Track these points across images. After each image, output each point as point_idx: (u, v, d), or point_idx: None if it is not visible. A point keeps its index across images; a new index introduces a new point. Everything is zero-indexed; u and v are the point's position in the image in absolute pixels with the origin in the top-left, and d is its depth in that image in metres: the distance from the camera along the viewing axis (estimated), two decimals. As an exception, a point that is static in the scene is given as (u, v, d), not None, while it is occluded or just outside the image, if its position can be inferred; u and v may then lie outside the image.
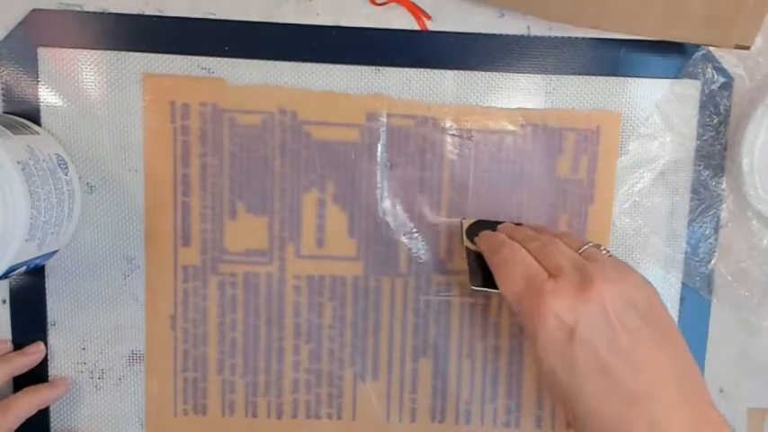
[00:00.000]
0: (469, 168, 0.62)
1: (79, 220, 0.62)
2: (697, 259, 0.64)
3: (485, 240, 0.57)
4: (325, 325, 0.64)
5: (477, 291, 0.57)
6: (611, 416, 0.46)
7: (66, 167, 0.59)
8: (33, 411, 0.60)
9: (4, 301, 0.63)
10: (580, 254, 0.51)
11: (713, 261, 0.64)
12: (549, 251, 0.52)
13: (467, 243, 0.60)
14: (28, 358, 0.62)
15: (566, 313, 0.47)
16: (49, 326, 0.63)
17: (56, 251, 0.60)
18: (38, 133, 0.59)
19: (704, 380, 0.48)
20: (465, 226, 0.61)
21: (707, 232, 0.63)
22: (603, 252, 0.52)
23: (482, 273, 0.56)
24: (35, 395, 0.61)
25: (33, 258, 0.56)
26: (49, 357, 0.64)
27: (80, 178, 0.62)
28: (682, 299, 0.64)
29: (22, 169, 0.52)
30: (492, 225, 0.60)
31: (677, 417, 0.46)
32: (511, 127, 0.62)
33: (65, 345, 0.64)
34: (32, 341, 0.63)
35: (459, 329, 0.64)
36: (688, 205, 0.63)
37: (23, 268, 0.56)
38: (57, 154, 0.58)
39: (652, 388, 0.46)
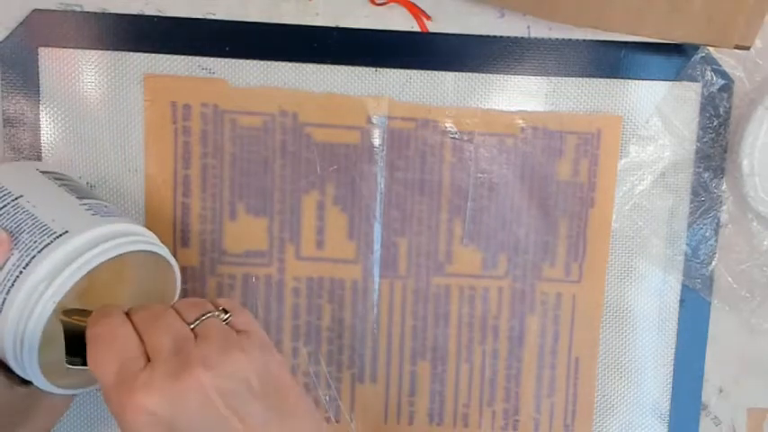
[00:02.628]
0: (470, 171, 0.62)
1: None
2: (697, 261, 0.64)
3: (97, 323, 0.46)
4: (323, 327, 0.64)
5: (73, 369, 0.48)
6: None
7: None
8: None
9: (4, 301, 0.63)
10: (195, 327, 0.45)
11: (713, 263, 0.64)
12: (154, 327, 0.45)
13: (60, 316, 0.48)
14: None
15: (161, 408, 0.41)
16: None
17: None
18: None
19: None
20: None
21: (707, 234, 0.63)
22: (225, 320, 0.47)
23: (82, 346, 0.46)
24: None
25: None
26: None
27: (80, 178, 0.62)
28: (682, 300, 0.64)
29: None
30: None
31: None
32: (511, 130, 0.62)
33: (64, 345, 0.64)
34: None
35: (457, 333, 0.64)
36: (688, 207, 0.63)
37: None
38: None
39: None
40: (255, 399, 0.43)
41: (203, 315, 0.46)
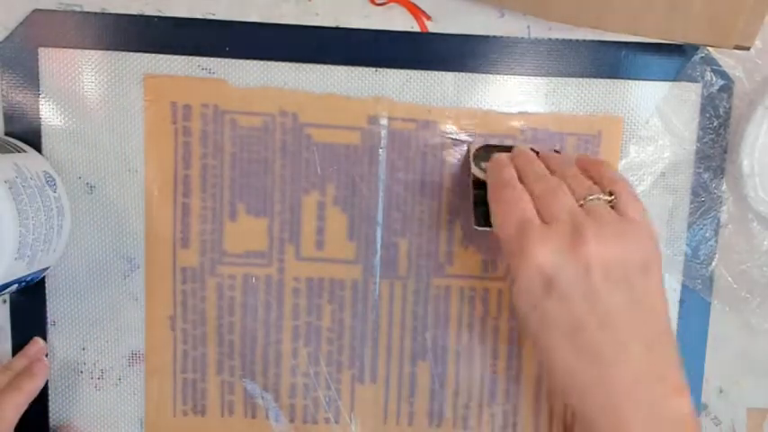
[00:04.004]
0: (470, 172, 0.62)
1: (69, 236, 0.62)
2: (697, 261, 0.64)
3: (492, 172, 0.55)
4: (323, 327, 0.64)
5: (479, 230, 0.57)
6: (576, 371, 0.47)
7: (55, 184, 0.59)
8: (23, 407, 0.59)
9: (5, 301, 0.63)
10: (583, 205, 0.49)
11: (714, 263, 0.64)
12: (550, 199, 0.50)
13: (475, 171, 0.59)
14: (36, 380, 0.61)
15: (548, 263, 0.47)
16: (48, 326, 0.64)
17: (47, 268, 0.60)
18: (24, 151, 0.59)
19: (676, 349, 0.48)
20: (473, 150, 0.60)
21: (707, 234, 0.63)
22: (610, 202, 0.50)
23: (486, 210, 0.55)
24: (18, 391, 0.59)
25: (24, 276, 0.56)
26: (49, 357, 0.64)
27: (80, 178, 0.62)
28: (682, 301, 0.64)
29: (10, 188, 0.53)
30: (503, 150, 0.58)
31: (640, 384, 0.47)
32: (512, 131, 0.62)
33: (65, 345, 0.64)
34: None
35: (457, 333, 0.64)
36: (688, 207, 0.63)
37: (15, 287, 0.56)
38: (44, 171, 0.59)
39: (618, 351, 0.47)
40: (626, 285, 0.47)
41: (590, 195, 0.50)
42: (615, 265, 0.47)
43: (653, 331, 0.48)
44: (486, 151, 0.60)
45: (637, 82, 0.62)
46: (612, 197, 0.50)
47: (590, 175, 0.53)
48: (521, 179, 0.53)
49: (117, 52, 0.61)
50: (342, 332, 0.64)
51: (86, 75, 0.61)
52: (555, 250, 0.47)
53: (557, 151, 0.61)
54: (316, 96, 0.62)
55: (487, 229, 0.55)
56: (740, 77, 0.61)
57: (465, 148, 0.62)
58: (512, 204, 0.50)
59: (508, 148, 0.58)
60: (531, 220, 0.49)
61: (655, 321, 0.48)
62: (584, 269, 0.46)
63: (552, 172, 0.53)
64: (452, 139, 0.62)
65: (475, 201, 0.58)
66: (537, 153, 0.56)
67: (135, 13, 0.61)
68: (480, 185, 0.58)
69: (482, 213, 0.57)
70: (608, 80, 0.62)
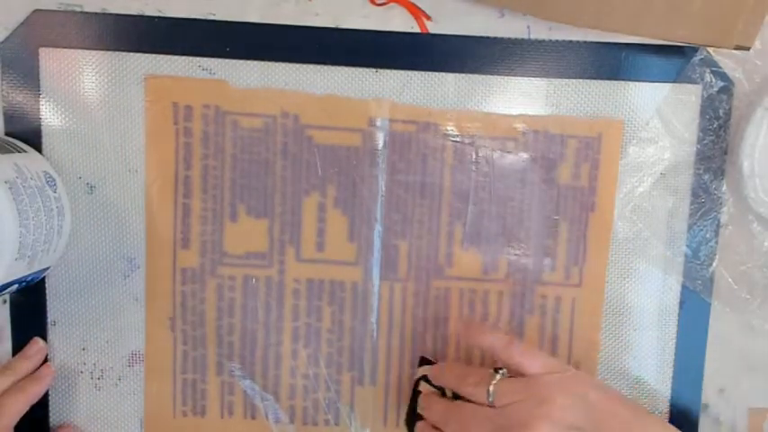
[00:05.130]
0: (470, 174, 0.62)
1: (69, 236, 0.62)
2: (698, 262, 0.64)
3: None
4: (323, 329, 0.64)
5: None
6: None
7: (55, 185, 0.59)
8: (25, 410, 0.59)
9: (5, 301, 0.63)
10: (492, 403, 0.52)
11: (714, 264, 0.64)
12: (466, 430, 0.53)
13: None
14: (41, 384, 0.62)
15: None
16: (48, 326, 0.64)
17: (47, 268, 0.60)
18: (25, 151, 0.59)
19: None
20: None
21: (707, 235, 0.63)
22: (502, 377, 0.54)
23: None
24: (22, 393, 0.60)
25: (24, 276, 0.56)
26: (49, 357, 0.64)
27: (80, 178, 0.62)
28: (682, 302, 0.64)
29: (10, 188, 0.53)
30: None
31: None
32: (512, 133, 0.62)
33: (65, 345, 0.64)
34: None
35: (457, 335, 0.64)
36: (688, 208, 0.63)
37: (15, 287, 0.56)
38: (45, 171, 0.59)
39: None
40: (579, 431, 0.50)
41: (488, 386, 0.53)
42: (562, 424, 0.50)
43: None
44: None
45: (637, 83, 0.62)
46: (500, 372, 0.54)
47: (483, 349, 0.60)
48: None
49: (117, 52, 0.61)
50: (342, 334, 0.64)
51: (86, 75, 0.61)
52: None
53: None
54: (316, 97, 0.62)
55: None
56: (740, 79, 0.61)
57: (465, 150, 0.62)
58: None
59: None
60: None
61: None
62: None
63: (449, 385, 0.58)
64: (453, 141, 0.62)
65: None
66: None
67: (135, 13, 0.61)
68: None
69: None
70: (608, 81, 0.62)
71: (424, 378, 0.60)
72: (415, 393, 0.61)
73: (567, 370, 0.54)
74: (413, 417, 0.60)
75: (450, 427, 0.54)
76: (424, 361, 0.62)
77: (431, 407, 0.58)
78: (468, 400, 0.54)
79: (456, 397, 0.57)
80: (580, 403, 0.51)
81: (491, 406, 0.52)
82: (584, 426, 0.50)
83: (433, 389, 0.60)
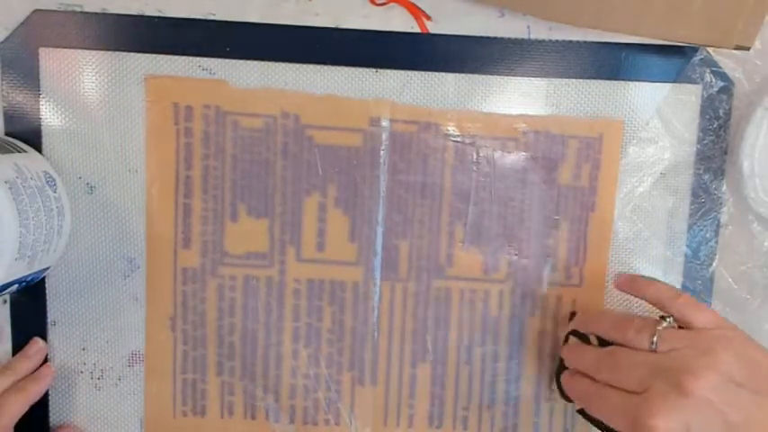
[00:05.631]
0: (471, 175, 0.62)
1: (69, 236, 0.62)
2: (698, 262, 0.64)
3: (573, 392, 0.58)
4: (324, 329, 0.64)
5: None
6: None
7: (55, 185, 0.59)
8: (25, 409, 0.60)
9: (5, 301, 0.63)
10: (654, 347, 0.52)
11: (714, 264, 0.64)
12: (620, 376, 0.52)
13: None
14: (40, 384, 0.62)
15: (675, 425, 0.48)
16: (49, 326, 0.64)
17: (47, 268, 0.60)
18: (25, 151, 0.59)
19: None
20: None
21: (707, 235, 0.63)
22: (671, 325, 0.53)
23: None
24: (22, 393, 0.60)
25: (24, 276, 0.56)
26: (49, 357, 0.64)
27: (80, 178, 0.62)
28: (681, 302, 0.64)
29: (10, 188, 0.53)
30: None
31: None
32: (513, 133, 0.62)
33: (65, 345, 0.64)
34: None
35: (457, 335, 0.64)
36: (688, 208, 0.63)
37: (15, 287, 0.56)
38: (45, 171, 0.59)
39: None
40: (746, 389, 0.49)
41: (654, 336, 0.52)
42: (724, 384, 0.49)
43: None
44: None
45: (637, 83, 0.62)
46: (668, 320, 0.53)
47: (647, 301, 0.57)
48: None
49: (117, 52, 0.61)
50: (342, 334, 0.64)
51: (86, 75, 0.61)
52: (671, 412, 0.48)
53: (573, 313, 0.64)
54: (317, 98, 0.62)
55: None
56: (740, 79, 0.61)
57: (466, 150, 0.62)
58: (602, 406, 0.53)
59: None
60: (628, 403, 0.51)
61: None
62: (707, 406, 0.48)
63: (605, 333, 0.57)
64: (454, 141, 0.62)
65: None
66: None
67: (135, 13, 0.61)
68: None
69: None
70: (608, 81, 0.62)
71: (574, 333, 0.61)
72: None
73: (735, 328, 0.53)
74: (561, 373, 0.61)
75: (602, 373, 0.54)
76: (574, 316, 0.63)
77: (581, 355, 0.57)
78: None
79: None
80: (744, 361, 0.50)
81: (652, 352, 0.52)
82: (746, 384, 0.49)
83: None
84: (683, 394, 0.48)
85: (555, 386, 0.64)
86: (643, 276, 0.62)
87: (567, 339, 0.62)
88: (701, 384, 0.48)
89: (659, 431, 0.48)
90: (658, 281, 0.59)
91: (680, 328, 0.53)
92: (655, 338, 0.52)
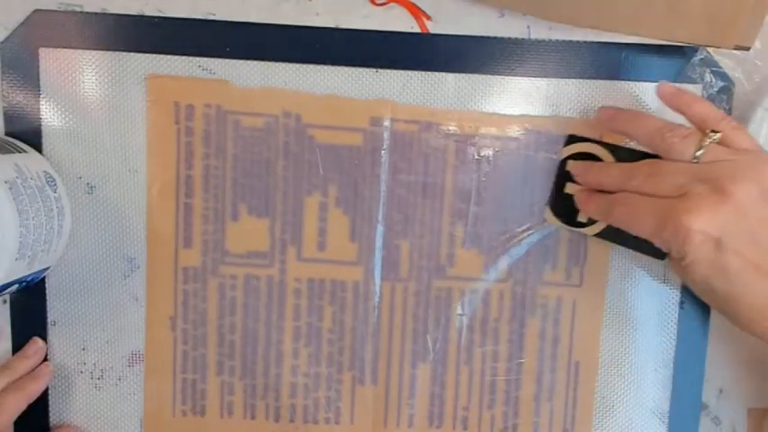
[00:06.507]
0: (472, 175, 0.62)
1: (69, 236, 0.62)
2: (698, 262, 0.64)
3: (592, 206, 0.58)
4: (324, 329, 0.64)
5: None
6: None
7: (55, 185, 0.59)
8: (23, 408, 0.60)
9: (5, 301, 0.63)
10: (696, 160, 0.51)
11: (713, 264, 0.64)
12: (657, 180, 0.52)
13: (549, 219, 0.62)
14: (39, 382, 0.62)
15: (708, 226, 0.48)
16: (49, 326, 0.64)
17: (47, 268, 0.60)
18: (25, 151, 0.59)
19: None
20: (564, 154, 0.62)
21: (707, 235, 0.63)
22: (716, 140, 0.52)
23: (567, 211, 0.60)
24: (21, 391, 0.60)
25: (24, 276, 0.56)
26: (48, 357, 0.64)
27: (80, 178, 0.62)
28: (682, 302, 0.64)
29: (10, 188, 0.53)
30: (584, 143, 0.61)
31: None
32: (514, 134, 0.62)
33: (65, 345, 0.64)
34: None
35: (457, 336, 0.64)
36: (689, 208, 0.63)
37: (15, 287, 0.56)
38: (45, 171, 0.59)
39: None
40: None
41: (699, 148, 0.52)
42: (761, 196, 0.49)
43: None
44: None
45: (637, 83, 0.62)
46: (717, 135, 0.52)
47: (689, 117, 0.55)
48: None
49: (117, 53, 0.61)
50: (343, 333, 0.64)
51: (86, 75, 0.61)
52: (707, 213, 0.48)
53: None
54: (318, 97, 0.62)
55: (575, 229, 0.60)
56: (740, 79, 0.61)
57: (470, 150, 0.62)
58: (633, 212, 0.53)
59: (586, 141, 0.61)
60: (663, 203, 0.50)
61: None
62: (741, 215, 0.49)
63: (649, 139, 0.55)
64: (455, 141, 0.62)
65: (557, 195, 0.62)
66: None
67: (135, 13, 0.61)
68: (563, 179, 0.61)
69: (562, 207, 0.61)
70: (608, 81, 0.62)
71: (573, 138, 0.62)
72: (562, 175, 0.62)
73: None
74: (558, 198, 0.62)
75: (635, 180, 0.53)
76: (573, 139, 0.62)
77: (602, 171, 0.57)
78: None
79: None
80: None
81: (694, 164, 0.52)
82: None
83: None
84: (724, 196, 0.48)
85: (547, 213, 0.63)
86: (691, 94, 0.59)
87: (563, 166, 0.62)
88: (743, 189, 0.48)
89: (692, 230, 0.48)
90: (704, 99, 0.59)
91: None
92: (700, 150, 0.52)
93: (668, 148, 0.53)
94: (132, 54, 0.61)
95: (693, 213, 0.48)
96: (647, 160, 0.54)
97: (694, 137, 0.52)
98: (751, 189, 0.49)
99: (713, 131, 0.52)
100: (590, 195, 0.57)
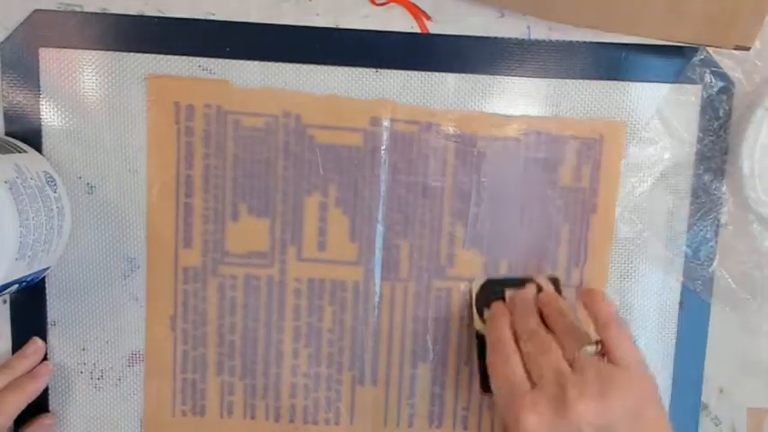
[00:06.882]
0: (472, 175, 0.62)
1: (69, 236, 0.62)
2: (698, 262, 0.64)
3: (489, 327, 0.59)
4: (324, 329, 0.64)
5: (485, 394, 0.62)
6: None
7: (55, 185, 0.59)
8: (22, 407, 0.60)
9: (5, 301, 0.63)
10: (573, 361, 0.52)
11: (714, 264, 0.64)
12: (539, 360, 0.52)
13: (477, 324, 0.63)
14: (38, 382, 0.62)
15: (541, 429, 0.49)
16: (48, 326, 0.64)
17: (47, 268, 0.60)
18: (25, 151, 0.59)
19: None
20: (475, 291, 0.63)
21: (707, 235, 0.63)
22: (600, 352, 0.53)
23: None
24: (20, 390, 0.60)
25: (24, 276, 0.56)
26: (49, 357, 0.64)
27: (80, 178, 0.62)
28: (681, 302, 0.64)
29: (10, 188, 0.53)
30: (501, 287, 0.63)
31: None
32: (514, 134, 0.62)
33: (65, 345, 0.64)
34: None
35: (457, 336, 0.64)
36: (688, 209, 0.63)
37: (15, 287, 0.56)
38: (45, 171, 0.59)
39: None
40: None
41: (580, 349, 0.52)
42: (604, 421, 0.49)
43: None
44: (489, 288, 0.63)
45: (637, 84, 0.62)
46: (599, 346, 0.53)
47: (590, 313, 0.57)
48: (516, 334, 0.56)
49: (117, 52, 0.61)
50: (342, 333, 0.64)
51: (86, 75, 0.61)
52: (544, 419, 0.49)
53: (555, 280, 0.63)
54: (318, 98, 0.62)
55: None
56: (740, 79, 0.62)
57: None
58: (502, 365, 0.54)
59: (509, 283, 0.63)
60: (519, 385, 0.52)
61: None
62: (577, 430, 0.49)
63: (548, 320, 0.57)
64: (455, 141, 0.62)
65: (479, 356, 0.63)
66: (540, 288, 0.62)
67: (135, 13, 0.61)
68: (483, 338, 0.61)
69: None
70: (608, 82, 0.62)
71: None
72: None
73: (645, 379, 0.53)
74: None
75: (527, 345, 0.54)
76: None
77: (527, 315, 0.58)
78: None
79: None
80: (631, 417, 0.50)
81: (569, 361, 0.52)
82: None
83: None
84: (565, 410, 0.49)
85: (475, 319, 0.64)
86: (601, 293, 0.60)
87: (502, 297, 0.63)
88: (583, 413, 0.48)
89: (523, 423, 0.49)
90: (608, 300, 0.58)
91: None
92: (580, 353, 0.52)
93: (559, 339, 0.54)
94: (132, 54, 0.61)
95: (530, 409, 0.49)
96: (547, 335, 0.55)
97: (580, 339, 0.54)
98: (595, 411, 0.49)
99: (598, 342, 0.53)
100: (502, 319, 0.58)
